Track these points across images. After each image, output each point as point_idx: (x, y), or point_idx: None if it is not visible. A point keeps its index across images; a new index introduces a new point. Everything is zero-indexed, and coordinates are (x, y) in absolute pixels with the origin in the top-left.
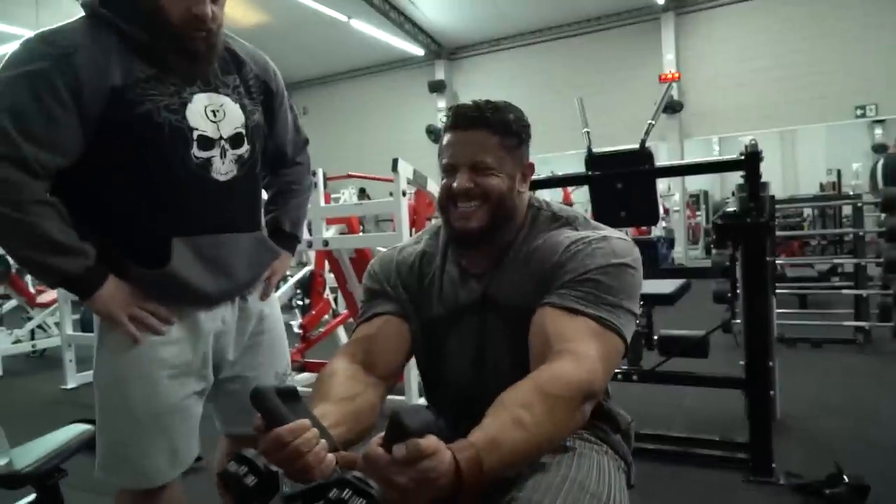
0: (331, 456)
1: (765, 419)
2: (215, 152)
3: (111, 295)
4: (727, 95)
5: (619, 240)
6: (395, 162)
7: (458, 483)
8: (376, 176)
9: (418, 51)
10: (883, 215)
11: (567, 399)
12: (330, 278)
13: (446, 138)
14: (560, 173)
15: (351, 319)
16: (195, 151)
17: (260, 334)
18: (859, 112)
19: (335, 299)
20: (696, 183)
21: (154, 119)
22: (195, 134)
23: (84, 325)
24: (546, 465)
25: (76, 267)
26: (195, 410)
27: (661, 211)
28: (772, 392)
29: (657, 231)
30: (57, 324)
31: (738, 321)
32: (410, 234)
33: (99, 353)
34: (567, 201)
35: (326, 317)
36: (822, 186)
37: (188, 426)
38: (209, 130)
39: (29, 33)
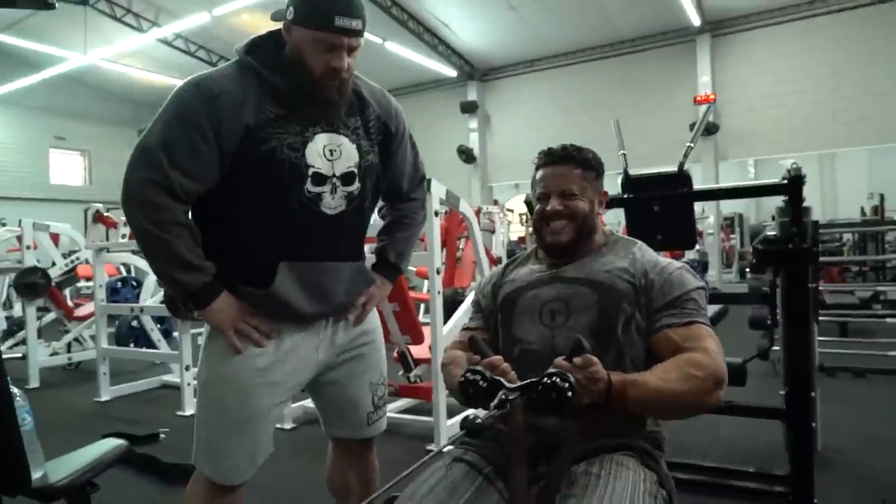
0: (513, 372)
1: (806, 452)
2: (326, 188)
3: (222, 309)
4: (764, 118)
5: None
6: (427, 182)
7: (608, 392)
8: None
9: (451, 72)
10: None
11: (701, 378)
12: None
13: (539, 173)
14: None
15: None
16: (308, 186)
17: (357, 347)
18: None
19: None
20: (730, 206)
21: (277, 155)
22: (311, 171)
23: (119, 339)
24: (581, 497)
25: (195, 282)
26: (276, 417)
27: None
28: (813, 423)
29: (691, 254)
30: (93, 337)
31: (777, 348)
32: (441, 254)
33: (204, 355)
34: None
35: None
36: (863, 211)
37: (269, 432)
38: (324, 168)
39: (77, 56)
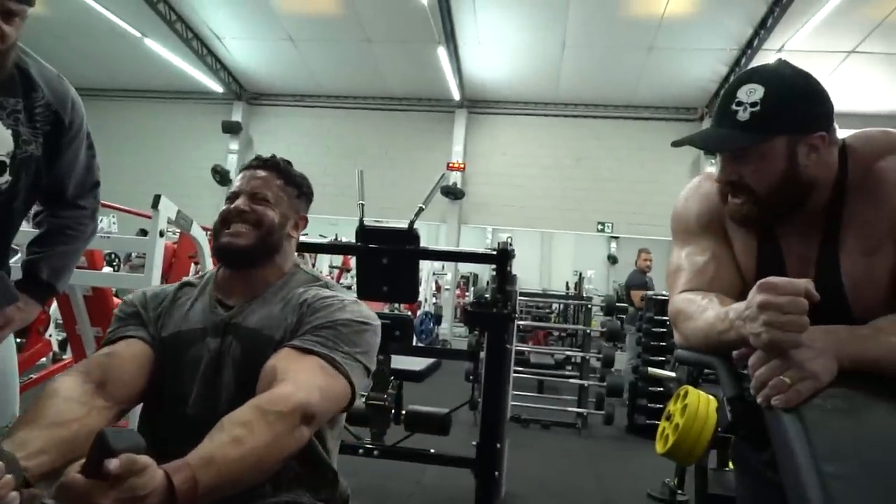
0: (14, 494)
1: (489, 498)
2: None
3: None
4: (501, 192)
5: (365, 306)
6: (156, 198)
7: (172, 501)
8: (134, 210)
9: (217, 87)
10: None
11: (284, 415)
12: (57, 315)
13: (238, 177)
14: (344, 239)
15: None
16: None
17: None
18: (600, 227)
19: (61, 342)
20: (468, 266)
21: None
22: None
23: None
24: None
25: None
26: None
27: (434, 288)
28: (496, 472)
29: (427, 307)
30: None
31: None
32: (162, 281)
33: None
34: (346, 266)
35: (44, 360)
36: (567, 286)
37: None
38: None
39: None
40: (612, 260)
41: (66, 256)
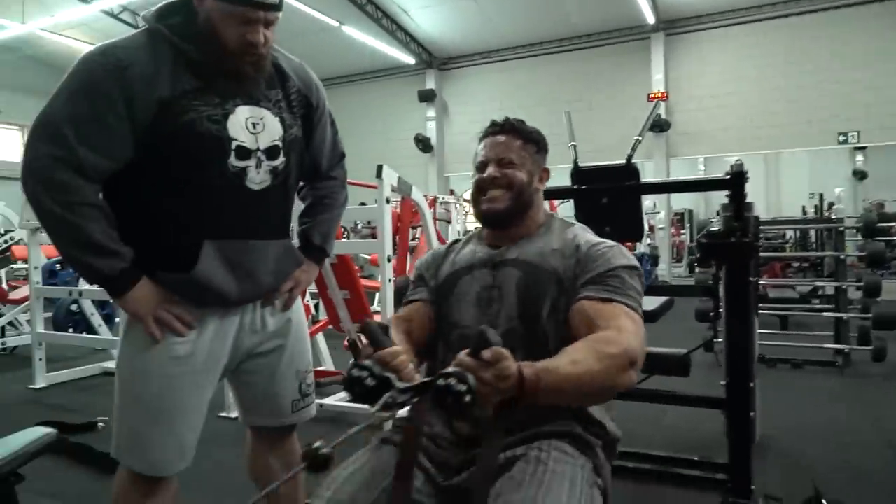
0: (412, 366)
1: (744, 440)
2: (251, 162)
3: (141, 297)
4: (713, 117)
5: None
6: (379, 168)
7: (520, 386)
8: (361, 182)
9: (409, 59)
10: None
11: (614, 355)
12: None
13: (480, 144)
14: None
15: (330, 327)
16: (232, 161)
17: (283, 335)
18: (841, 138)
19: (315, 305)
20: (681, 201)
21: (196, 128)
22: (234, 144)
23: (56, 324)
24: (519, 483)
25: (111, 268)
26: (204, 408)
27: (647, 228)
28: (752, 413)
29: (642, 248)
30: (29, 321)
31: (720, 340)
32: (394, 243)
33: (122, 344)
34: (552, 211)
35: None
36: (804, 210)
37: (197, 422)
38: (248, 141)
39: (15, 24)
40: (860, 175)
41: (329, 222)
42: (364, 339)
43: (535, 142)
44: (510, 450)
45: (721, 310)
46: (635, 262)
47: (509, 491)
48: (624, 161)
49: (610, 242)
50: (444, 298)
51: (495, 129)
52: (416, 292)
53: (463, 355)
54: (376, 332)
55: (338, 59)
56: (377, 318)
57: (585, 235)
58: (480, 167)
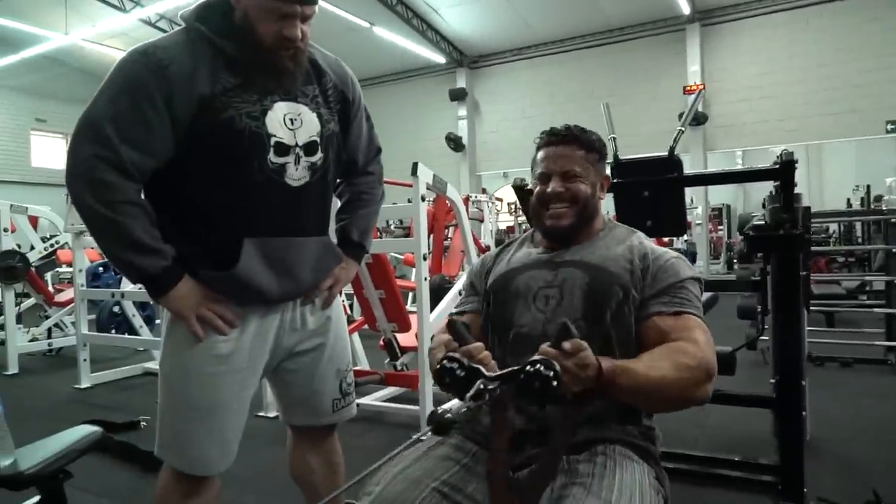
0: (494, 361)
1: (796, 441)
2: (290, 158)
3: (183, 295)
4: (752, 108)
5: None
6: (414, 166)
7: (598, 378)
8: (395, 181)
9: (440, 59)
10: None
11: (692, 367)
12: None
13: (541, 153)
14: None
15: (366, 326)
16: (271, 157)
17: (323, 333)
18: (890, 126)
19: (350, 305)
20: (718, 197)
21: (236, 125)
22: (272, 140)
23: (100, 326)
24: (589, 484)
25: (154, 266)
26: (243, 404)
27: None
28: (803, 412)
29: (679, 244)
30: (73, 323)
31: (766, 338)
32: (429, 240)
33: (165, 343)
34: None
35: None
36: (849, 202)
37: (239, 421)
38: (286, 138)
39: (58, 35)
40: None
41: (367, 218)
42: (447, 335)
43: (597, 150)
44: (572, 454)
45: (768, 306)
46: (697, 273)
47: (580, 496)
48: (666, 153)
49: (673, 252)
50: (497, 297)
51: (557, 137)
52: (468, 301)
53: (545, 346)
54: (461, 329)
55: (369, 61)
56: (413, 317)
57: (650, 244)
58: (542, 178)
